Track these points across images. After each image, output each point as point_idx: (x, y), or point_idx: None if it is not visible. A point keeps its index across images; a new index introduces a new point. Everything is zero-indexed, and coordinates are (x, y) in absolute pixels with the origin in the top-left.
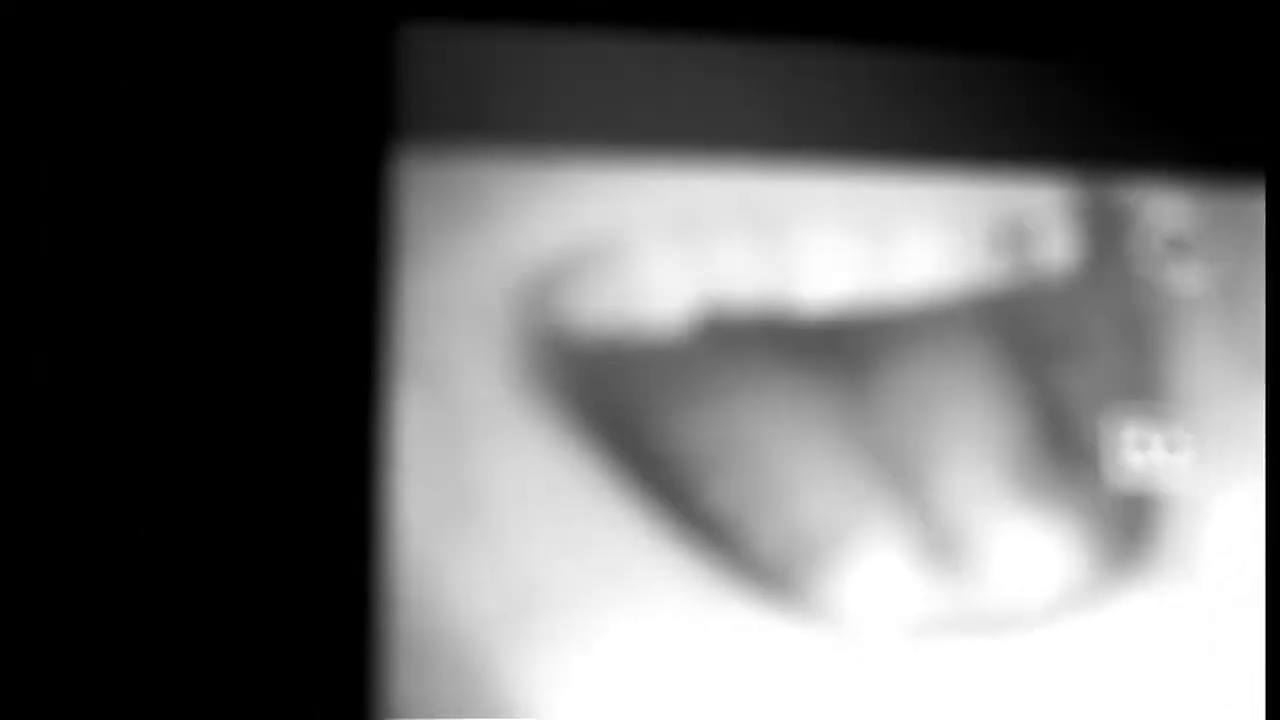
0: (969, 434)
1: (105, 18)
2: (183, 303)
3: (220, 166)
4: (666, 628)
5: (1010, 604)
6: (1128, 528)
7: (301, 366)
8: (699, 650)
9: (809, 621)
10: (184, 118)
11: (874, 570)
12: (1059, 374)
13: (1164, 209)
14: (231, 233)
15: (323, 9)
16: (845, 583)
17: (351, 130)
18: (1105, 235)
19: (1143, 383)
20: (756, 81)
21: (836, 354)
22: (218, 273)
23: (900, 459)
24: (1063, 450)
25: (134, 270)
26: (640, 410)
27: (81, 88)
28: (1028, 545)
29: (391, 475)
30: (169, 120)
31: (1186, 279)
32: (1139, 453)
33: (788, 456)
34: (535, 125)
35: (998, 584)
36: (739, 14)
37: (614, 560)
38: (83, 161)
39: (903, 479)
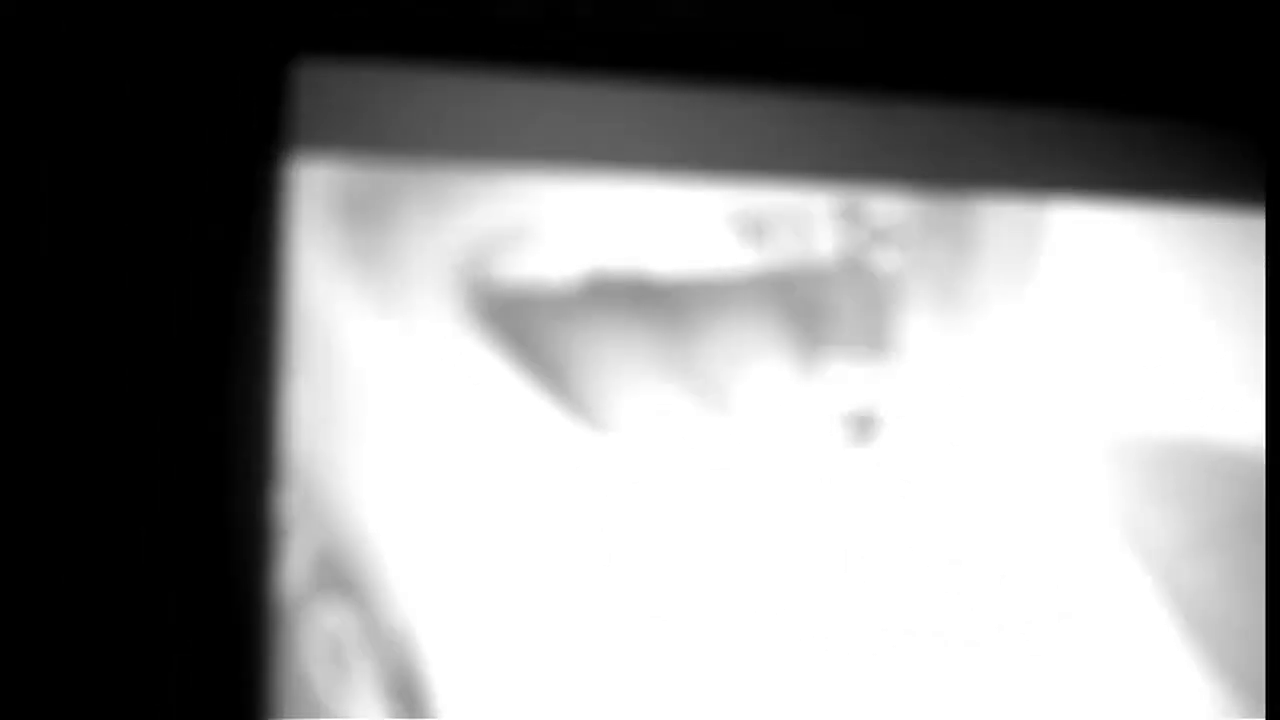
0: (743, 343)
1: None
2: (98, 286)
3: (131, 177)
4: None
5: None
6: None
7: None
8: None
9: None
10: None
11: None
12: (805, 318)
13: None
14: (146, 233)
15: (228, 48)
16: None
17: (251, 146)
18: (846, 232)
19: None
20: (622, 112)
21: (667, 305)
22: (134, 262)
23: (699, 366)
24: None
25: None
26: (539, 335)
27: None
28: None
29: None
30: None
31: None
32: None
33: (630, 362)
34: (415, 144)
35: (750, 429)
36: (595, 52)
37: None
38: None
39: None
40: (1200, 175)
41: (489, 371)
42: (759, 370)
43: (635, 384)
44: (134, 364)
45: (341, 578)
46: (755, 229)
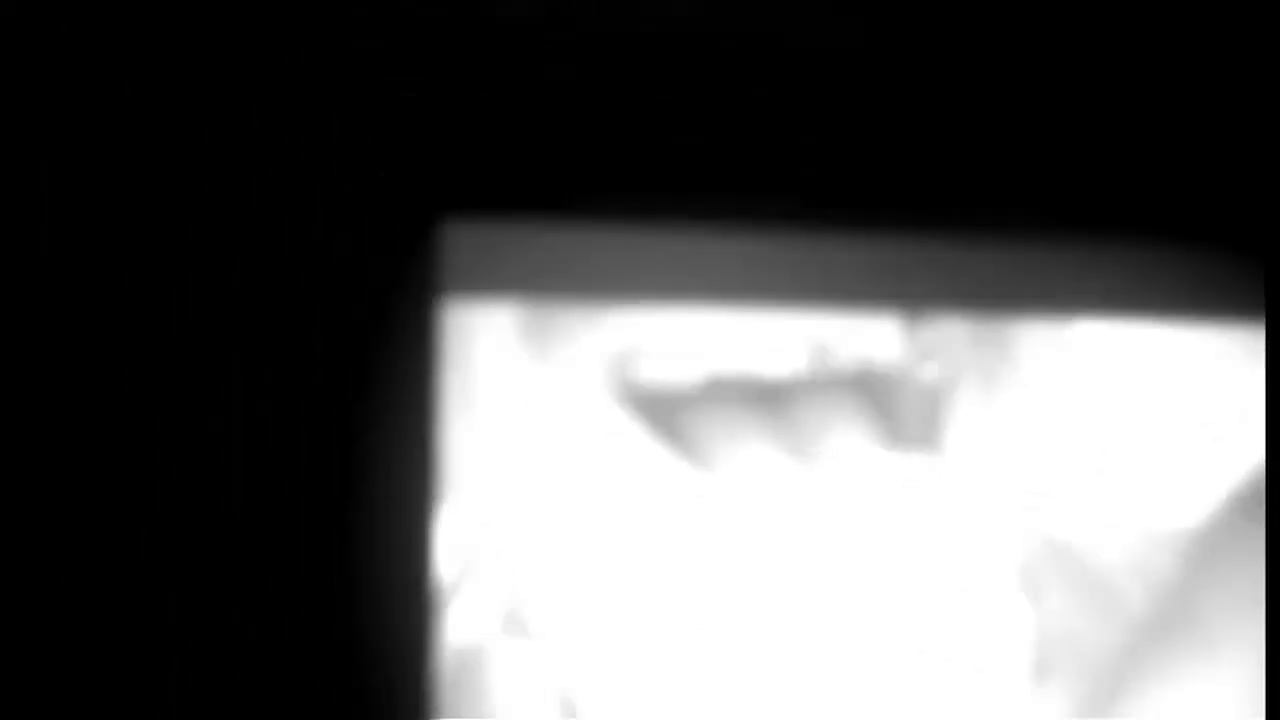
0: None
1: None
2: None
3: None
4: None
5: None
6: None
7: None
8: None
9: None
10: (248, 276)
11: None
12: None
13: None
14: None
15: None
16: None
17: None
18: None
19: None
20: (732, 254)
21: (766, 403)
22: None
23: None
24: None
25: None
26: (671, 421)
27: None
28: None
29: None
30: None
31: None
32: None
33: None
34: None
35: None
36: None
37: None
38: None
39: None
40: (1203, 293)
41: (636, 449)
42: (833, 460)
43: (742, 455)
44: (299, 475)
45: (516, 634)
46: (824, 348)
